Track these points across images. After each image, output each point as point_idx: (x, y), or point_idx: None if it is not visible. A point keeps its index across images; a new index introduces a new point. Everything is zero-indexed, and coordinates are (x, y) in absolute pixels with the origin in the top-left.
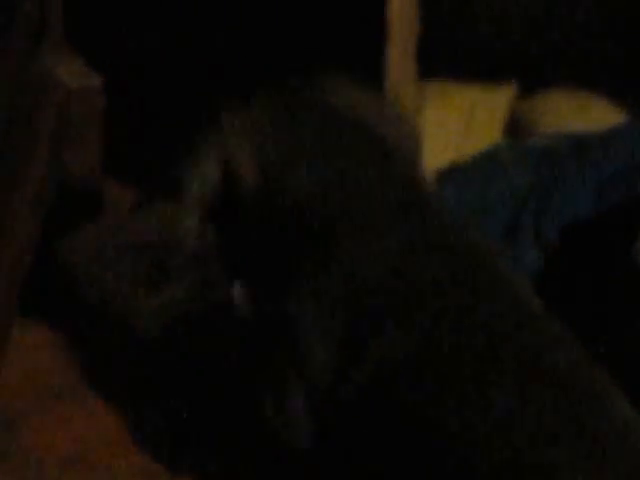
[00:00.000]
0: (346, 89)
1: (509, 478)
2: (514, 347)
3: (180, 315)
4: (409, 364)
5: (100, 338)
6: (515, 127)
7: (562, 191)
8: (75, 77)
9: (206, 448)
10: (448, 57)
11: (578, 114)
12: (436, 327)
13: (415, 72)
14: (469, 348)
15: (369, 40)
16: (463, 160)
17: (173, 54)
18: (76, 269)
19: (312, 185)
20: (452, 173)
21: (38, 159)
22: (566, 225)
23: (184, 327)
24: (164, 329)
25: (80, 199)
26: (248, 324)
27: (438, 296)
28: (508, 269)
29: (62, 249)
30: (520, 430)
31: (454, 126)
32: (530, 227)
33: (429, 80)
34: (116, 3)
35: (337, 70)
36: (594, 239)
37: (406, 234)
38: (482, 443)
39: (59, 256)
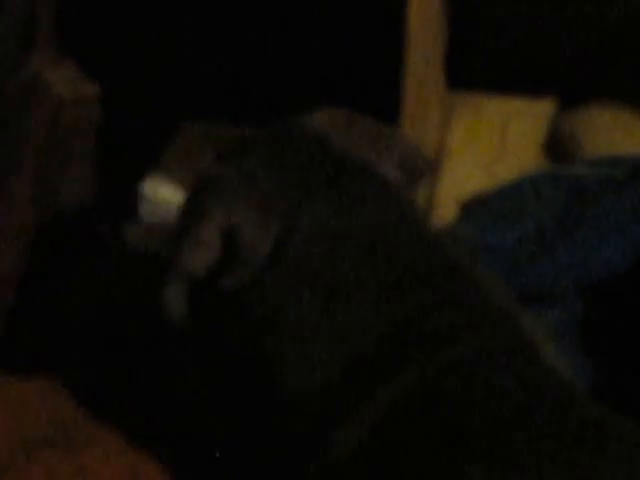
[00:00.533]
0: (343, 124)
1: None
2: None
3: None
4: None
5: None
6: (555, 147)
7: (587, 237)
8: (67, 84)
9: None
10: (480, 66)
11: (626, 134)
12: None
13: (441, 83)
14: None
15: (388, 47)
16: (491, 189)
17: (171, 65)
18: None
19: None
20: (475, 209)
21: (24, 174)
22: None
23: None
24: None
25: (71, 217)
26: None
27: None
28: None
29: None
30: None
31: (485, 144)
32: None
33: (458, 92)
34: (113, 7)
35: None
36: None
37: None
38: None
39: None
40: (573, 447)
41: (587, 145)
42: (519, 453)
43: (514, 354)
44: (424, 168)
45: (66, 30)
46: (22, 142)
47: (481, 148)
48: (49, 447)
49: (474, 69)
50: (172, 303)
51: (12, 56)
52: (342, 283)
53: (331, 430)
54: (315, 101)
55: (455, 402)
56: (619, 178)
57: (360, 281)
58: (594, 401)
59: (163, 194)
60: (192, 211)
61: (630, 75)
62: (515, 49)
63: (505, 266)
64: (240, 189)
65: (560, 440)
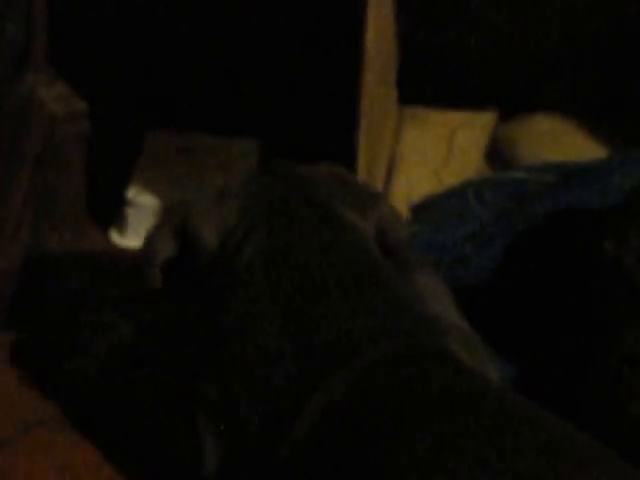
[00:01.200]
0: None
1: None
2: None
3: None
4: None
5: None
6: (496, 154)
7: (524, 234)
8: (60, 101)
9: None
10: (429, 82)
11: (559, 140)
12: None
13: (394, 99)
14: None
15: (345, 67)
16: (439, 193)
17: (157, 77)
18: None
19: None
20: (425, 211)
21: (21, 185)
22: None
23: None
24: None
25: (64, 226)
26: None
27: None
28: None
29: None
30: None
31: (433, 152)
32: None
33: (409, 106)
34: (102, 27)
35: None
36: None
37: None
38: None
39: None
40: (473, 431)
41: (524, 152)
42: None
43: (425, 356)
44: (400, 237)
45: (57, 52)
46: (19, 154)
47: (429, 156)
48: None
49: (423, 85)
50: (149, 278)
51: (8, 76)
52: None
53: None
54: (275, 112)
55: (378, 400)
56: (552, 182)
57: (289, 287)
58: (520, 392)
59: (143, 200)
60: (160, 219)
61: (563, 88)
62: (460, 67)
63: (452, 260)
64: (206, 210)
65: (461, 426)
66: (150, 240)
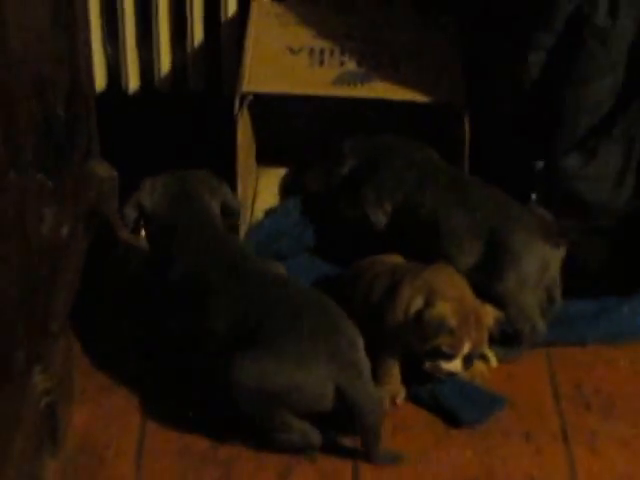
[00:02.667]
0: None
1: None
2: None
3: None
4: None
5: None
6: None
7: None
8: (105, 171)
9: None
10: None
11: None
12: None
13: (254, 164)
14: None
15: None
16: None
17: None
18: None
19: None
20: (270, 212)
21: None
22: None
23: None
24: None
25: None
26: None
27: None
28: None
29: None
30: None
31: (273, 187)
32: None
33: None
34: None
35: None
36: None
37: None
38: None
39: None
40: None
41: None
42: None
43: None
44: (236, 206)
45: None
46: (85, 201)
47: (271, 189)
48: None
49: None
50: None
51: (82, 161)
52: None
53: None
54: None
55: None
56: None
57: None
58: None
59: None
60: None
61: None
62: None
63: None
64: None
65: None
66: (121, 210)
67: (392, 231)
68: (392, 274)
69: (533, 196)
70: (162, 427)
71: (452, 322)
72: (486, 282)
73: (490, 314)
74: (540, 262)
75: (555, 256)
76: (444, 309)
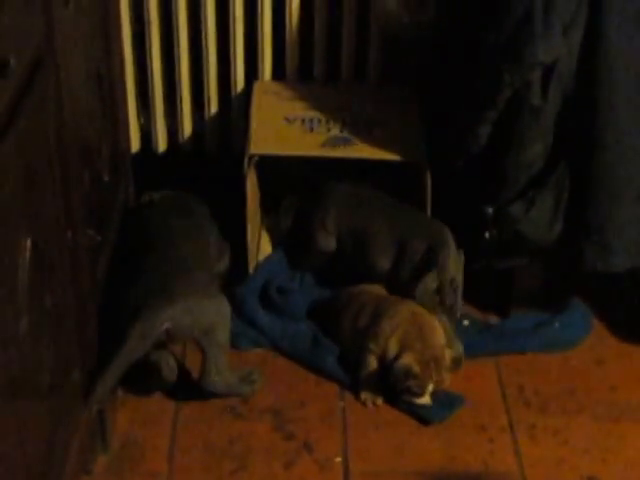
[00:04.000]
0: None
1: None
2: None
3: None
4: None
5: None
6: None
7: None
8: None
9: None
10: None
11: None
12: None
13: (259, 213)
14: None
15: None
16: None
17: None
18: None
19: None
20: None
21: None
22: None
23: None
24: None
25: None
26: None
27: None
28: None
29: None
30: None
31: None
32: None
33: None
34: None
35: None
36: None
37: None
38: None
39: None
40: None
41: None
42: None
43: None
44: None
45: None
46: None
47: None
48: None
49: None
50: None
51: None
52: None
53: None
54: None
55: None
56: None
57: None
58: None
59: None
60: None
61: None
62: None
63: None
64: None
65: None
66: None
67: (338, 249)
68: (375, 306)
69: (487, 234)
70: (189, 427)
71: (416, 369)
72: (396, 281)
73: (448, 356)
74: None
75: (454, 260)
76: (409, 360)
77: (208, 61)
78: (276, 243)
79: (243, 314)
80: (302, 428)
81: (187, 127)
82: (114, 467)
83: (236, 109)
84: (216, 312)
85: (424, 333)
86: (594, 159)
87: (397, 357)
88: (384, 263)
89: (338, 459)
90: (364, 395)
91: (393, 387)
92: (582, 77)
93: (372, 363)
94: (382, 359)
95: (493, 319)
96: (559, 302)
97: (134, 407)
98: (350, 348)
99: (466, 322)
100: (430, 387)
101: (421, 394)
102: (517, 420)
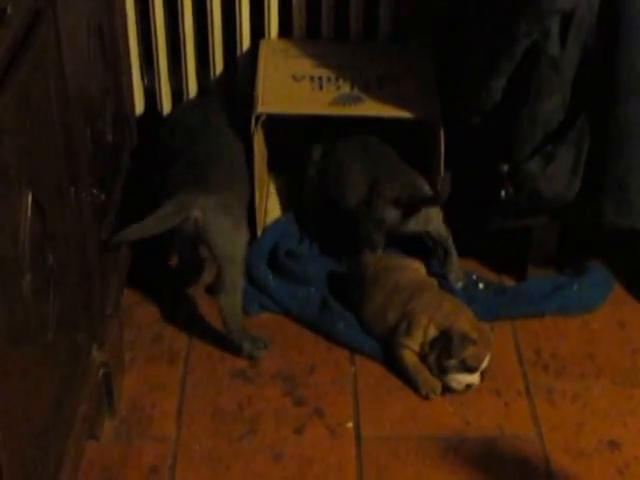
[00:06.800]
0: None
1: None
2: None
3: None
4: None
5: None
6: None
7: None
8: None
9: None
10: None
11: None
12: None
13: (266, 173)
14: None
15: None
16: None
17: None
18: None
19: None
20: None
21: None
22: None
23: None
24: None
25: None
26: None
27: None
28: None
29: None
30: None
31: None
32: None
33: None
34: None
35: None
36: None
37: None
38: None
39: None
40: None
41: None
42: None
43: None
44: None
45: None
46: None
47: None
48: None
49: None
50: None
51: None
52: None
53: None
54: None
55: None
56: None
57: None
58: None
59: None
60: None
61: None
62: None
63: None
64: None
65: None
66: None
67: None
68: (403, 301)
69: (502, 193)
70: (197, 392)
71: (474, 335)
72: (362, 215)
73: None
74: (396, 216)
75: (414, 215)
76: (464, 325)
77: (213, 19)
78: (285, 206)
79: (252, 278)
80: (313, 393)
81: (192, 87)
82: (122, 432)
83: (242, 68)
84: (237, 218)
85: (461, 309)
86: (614, 112)
87: (446, 330)
88: (352, 197)
89: (350, 424)
90: (424, 391)
91: (441, 365)
92: (602, 26)
93: (412, 359)
94: (422, 348)
95: (509, 282)
96: (578, 264)
97: (141, 372)
98: (374, 331)
99: (481, 285)
100: (486, 360)
101: (476, 368)
102: (534, 384)
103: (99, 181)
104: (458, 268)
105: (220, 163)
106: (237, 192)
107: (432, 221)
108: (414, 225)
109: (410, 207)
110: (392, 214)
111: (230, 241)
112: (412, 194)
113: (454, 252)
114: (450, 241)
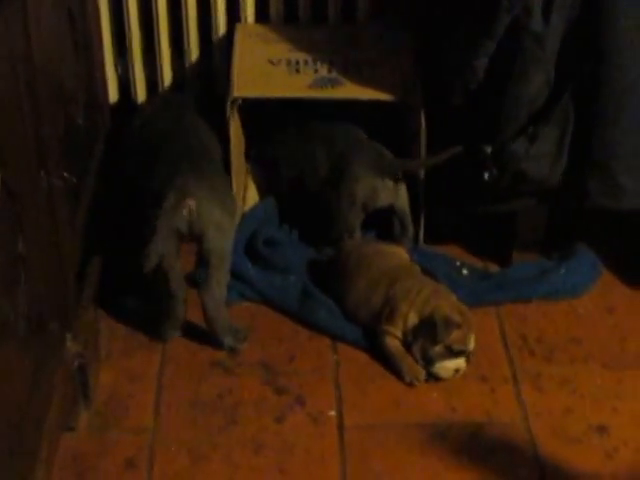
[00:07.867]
0: None
1: None
2: None
3: None
4: None
5: None
6: None
7: None
8: None
9: None
10: None
11: None
12: None
13: (243, 162)
14: None
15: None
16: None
17: None
18: None
19: None
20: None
21: None
22: None
23: None
24: None
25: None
26: None
27: None
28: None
29: None
30: None
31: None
32: None
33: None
34: None
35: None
36: None
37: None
38: None
39: None
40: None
41: None
42: None
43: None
44: None
45: None
46: None
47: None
48: None
49: None
50: None
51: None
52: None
53: None
54: None
55: None
56: None
57: None
58: None
59: None
60: None
61: None
62: None
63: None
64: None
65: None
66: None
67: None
68: (387, 285)
69: (486, 175)
70: (175, 382)
71: (457, 318)
72: (328, 193)
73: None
74: (368, 189)
75: (386, 188)
76: (445, 309)
77: (187, 4)
78: (264, 192)
79: (231, 267)
80: (294, 382)
81: (167, 75)
82: (98, 423)
83: (218, 54)
84: (229, 212)
85: (441, 294)
86: (599, 91)
87: (428, 316)
88: (318, 180)
89: (332, 412)
90: (408, 378)
91: (426, 352)
92: (586, 0)
93: (395, 345)
94: (404, 336)
95: (493, 268)
96: (564, 248)
97: (117, 363)
98: (358, 319)
99: (465, 271)
100: (472, 342)
101: (463, 351)
102: (521, 370)
103: (71, 165)
104: (410, 241)
105: (202, 143)
106: (228, 183)
107: (401, 196)
108: (385, 198)
109: (392, 176)
110: (363, 187)
111: (223, 236)
112: (392, 161)
113: (411, 228)
114: (409, 217)
